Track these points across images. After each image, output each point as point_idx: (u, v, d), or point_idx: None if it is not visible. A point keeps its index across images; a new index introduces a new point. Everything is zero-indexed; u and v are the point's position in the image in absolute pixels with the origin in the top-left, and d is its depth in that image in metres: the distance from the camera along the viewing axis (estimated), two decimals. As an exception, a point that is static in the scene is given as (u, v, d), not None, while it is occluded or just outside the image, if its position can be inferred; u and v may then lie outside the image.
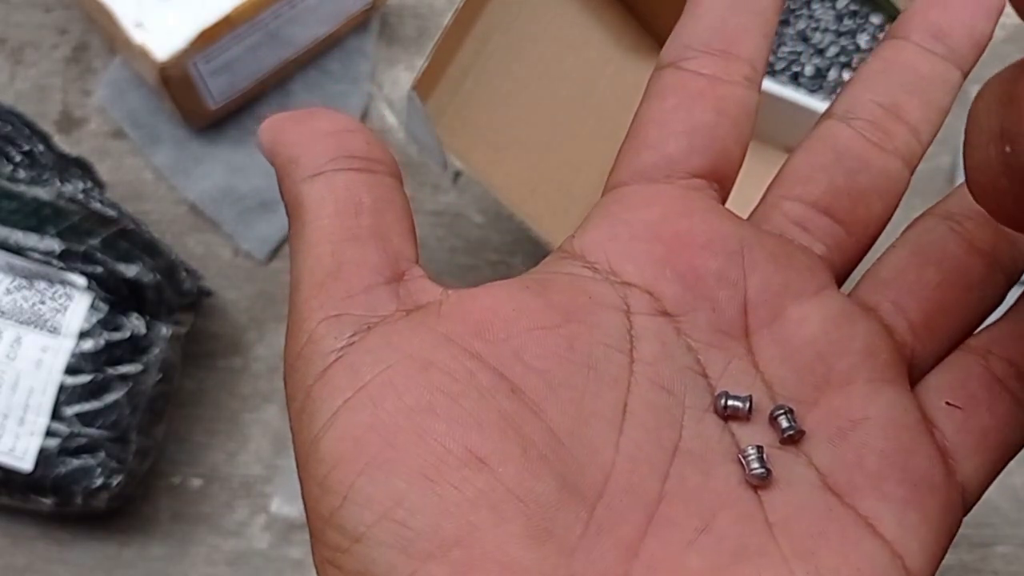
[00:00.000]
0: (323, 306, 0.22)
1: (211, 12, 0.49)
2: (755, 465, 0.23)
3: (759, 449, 0.23)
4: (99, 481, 0.44)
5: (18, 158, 0.48)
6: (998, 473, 0.24)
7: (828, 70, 0.54)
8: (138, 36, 0.49)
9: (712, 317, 0.24)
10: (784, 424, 0.23)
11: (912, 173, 0.27)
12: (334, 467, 0.20)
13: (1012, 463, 0.24)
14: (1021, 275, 0.26)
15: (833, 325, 0.25)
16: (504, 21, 0.50)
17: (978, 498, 0.24)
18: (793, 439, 0.23)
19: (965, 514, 0.24)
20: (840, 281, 0.26)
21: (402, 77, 0.56)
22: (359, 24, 0.55)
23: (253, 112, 0.54)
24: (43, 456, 0.44)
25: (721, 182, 0.26)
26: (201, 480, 0.49)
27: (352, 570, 0.20)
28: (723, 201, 0.26)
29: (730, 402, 0.23)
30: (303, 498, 0.21)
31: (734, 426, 0.23)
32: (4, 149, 0.48)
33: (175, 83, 0.50)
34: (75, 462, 0.44)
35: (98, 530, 0.48)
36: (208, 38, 0.49)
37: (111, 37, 0.53)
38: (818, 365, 0.24)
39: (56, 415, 0.44)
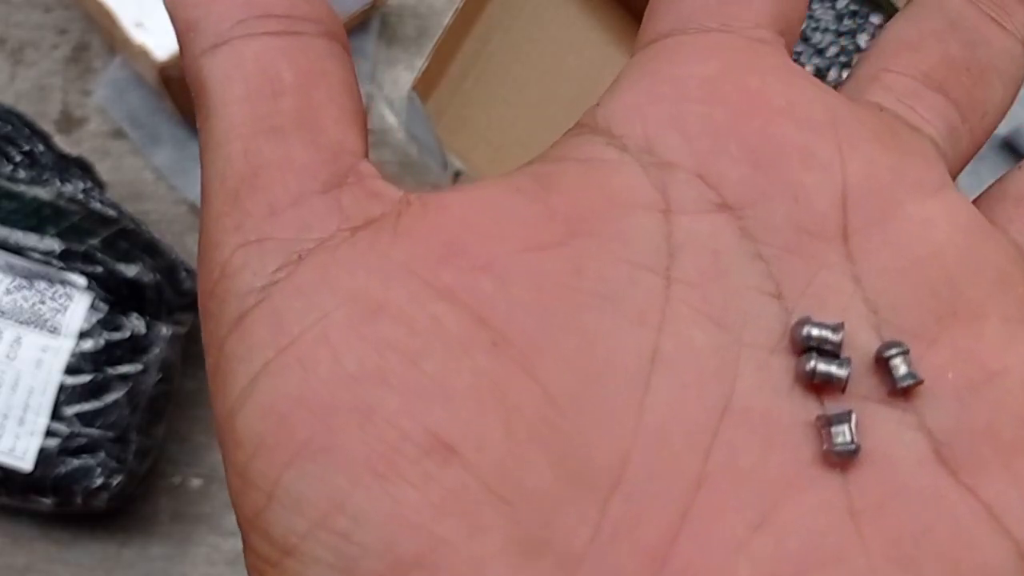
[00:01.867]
0: (239, 227, 0.16)
1: (211, 12, 0.49)
2: (842, 436, 0.16)
3: (847, 413, 0.17)
4: (99, 481, 0.44)
5: (18, 158, 0.48)
6: None
7: (828, 70, 0.54)
8: (138, 36, 0.49)
9: (794, 210, 0.18)
10: (901, 370, 0.17)
11: None
12: (254, 455, 0.16)
13: None
14: None
15: (964, 236, 0.18)
16: (504, 21, 0.50)
17: None
18: (907, 392, 0.17)
19: None
20: None
21: (402, 77, 0.56)
22: (359, 24, 0.55)
23: (253, 112, 0.54)
24: (43, 456, 0.44)
25: (787, 36, 0.20)
26: (201, 480, 0.49)
27: None
28: None
29: (814, 331, 0.17)
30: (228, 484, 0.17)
31: (820, 360, 0.17)
32: (4, 149, 0.48)
33: (175, 83, 0.50)
34: (75, 462, 0.44)
35: (98, 530, 0.48)
36: (208, 38, 0.49)
37: (111, 37, 0.53)
38: (945, 287, 0.18)
39: (56, 415, 0.44)
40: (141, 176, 0.54)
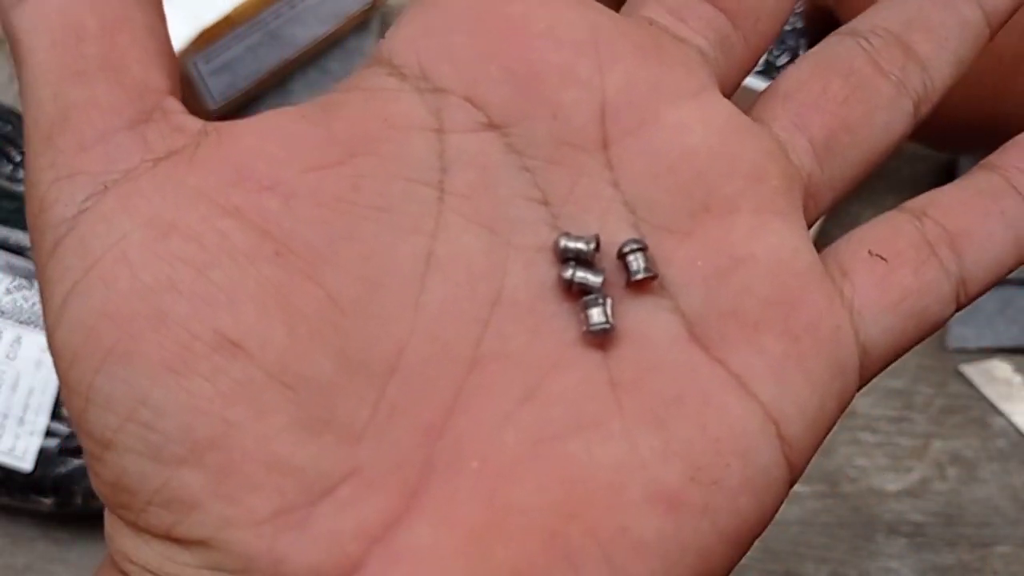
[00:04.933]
0: (53, 164, 0.18)
1: (211, 12, 0.49)
2: (596, 317, 0.18)
3: (602, 297, 0.19)
4: (99, 481, 0.44)
5: (18, 158, 0.48)
6: (905, 349, 0.21)
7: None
8: (138, 36, 0.49)
9: (554, 126, 0.20)
10: (635, 265, 0.19)
11: None
12: (72, 364, 0.18)
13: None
14: (928, 109, 0.23)
15: (718, 136, 0.20)
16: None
17: (878, 371, 0.21)
18: (643, 284, 0.19)
19: (862, 385, 0.21)
20: (726, 92, 0.22)
21: (402, 77, 0.56)
22: (359, 24, 0.55)
23: (253, 112, 0.54)
24: (43, 456, 0.44)
25: None
26: (201, 480, 0.49)
27: (108, 479, 0.18)
28: None
29: (570, 244, 0.19)
30: None
31: (577, 269, 0.19)
32: (4, 149, 0.48)
33: (175, 83, 0.50)
34: (75, 462, 0.44)
35: (98, 530, 0.48)
36: (208, 38, 0.49)
37: (111, 37, 0.53)
38: (697, 186, 0.20)
39: (56, 415, 0.44)
40: (141, 176, 0.54)
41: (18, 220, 0.45)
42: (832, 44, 0.22)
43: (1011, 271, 0.22)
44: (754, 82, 0.33)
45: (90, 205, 0.18)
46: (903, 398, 0.48)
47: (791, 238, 0.20)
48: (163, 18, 0.20)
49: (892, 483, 0.48)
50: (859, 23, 0.23)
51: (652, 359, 0.19)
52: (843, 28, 0.23)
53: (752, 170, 0.20)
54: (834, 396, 0.20)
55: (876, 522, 0.47)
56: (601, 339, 0.19)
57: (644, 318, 0.19)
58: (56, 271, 0.18)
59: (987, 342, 0.49)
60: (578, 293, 0.19)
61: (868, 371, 0.21)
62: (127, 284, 0.17)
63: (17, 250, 0.45)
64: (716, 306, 0.19)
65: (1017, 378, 0.48)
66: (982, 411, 0.48)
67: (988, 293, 0.22)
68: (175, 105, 0.19)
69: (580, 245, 0.19)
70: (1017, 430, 0.47)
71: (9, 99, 0.54)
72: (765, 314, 0.19)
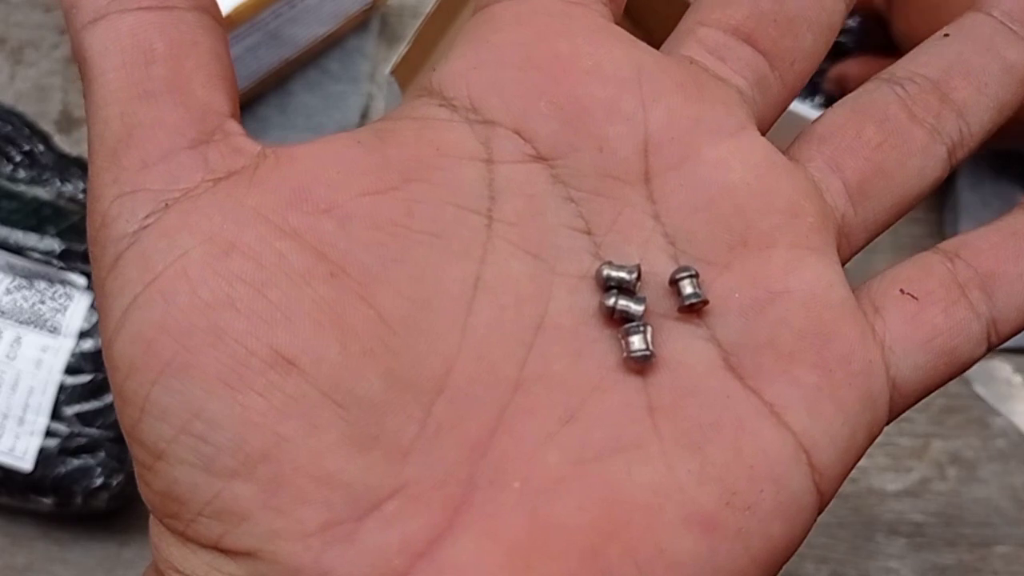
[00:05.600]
0: (116, 181, 0.19)
1: (211, 12, 0.49)
2: (637, 344, 0.19)
3: (643, 325, 0.19)
4: (99, 481, 0.44)
5: (18, 158, 0.48)
6: (936, 386, 0.22)
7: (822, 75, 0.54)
8: (138, 36, 0.49)
9: (599, 159, 0.20)
10: (688, 290, 0.19)
11: (848, 9, 0.23)
12: (128, 375, 0.18)
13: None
14: (965, 155, 0.23)
15: (755, 173, 0.21)
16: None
17: (908, 406, 0.22)
18: (694, 308, 0.20)
19: (892, 418, 0.21)
20: (762, 130, 0.22)
21: (402, 77, 0.56)
22: (359, 24, 0.55)
23: (253, 112, 0.54)
24: (43, 456, 0.44)
25: None
26: (201, 480, 0.49)
27: (158, 489, 0.18)
28: (615, 22, 0.22)
29: (612, 273, 0.19)
30: None
31: (619, 297, 0.20)
32: (4, 149, 0.48)
33: (175, 83, 0.50)
34: (75, 462, 0.44)
35: (98, 530, 0.48)
36: (208, 38, 0.49)
37: (111, 37, 0.53)
38: (735, 221, 0.20)
39: (56, 415, 0.44)
40: (141, 176, 0.54)
41: (18, 220, 0.45)
42: (869, 90, 0.23)
43: None
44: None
45: (151, 221, 0.18)
46: (903, 398, 0.48)
47: (826, 273, 0.21)
48: (226, 43, 0.20)
49: (892, 483, 0.48)
50: (898, 68, 0.23)
51: (689, 386, 0.19)
52: (883, 73, 0.23)
53: (788, 207, 0.21)
54: (864, 427, 0.20)
55: (876, 522, 0.47)
56: (641, 365, 0.19)
57: (682, 347, 0.20)
58: (116, 284, 0.18)
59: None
60: (619, 320, 0.19)
61: (898, 405, 0.21)
62: (186, 299, 0.18)
63: (17, 250, 0.45)
64: (752, 337, 0.20)
65: (1017, 378, 0.48)
66: (982, 411, 0.48)
67: None
68: (235, 127, 0.20)
69: (622, 274, 0.19)
70: (1017, 430, 0.47)
71: (9, 99, 0.54)
72: (799, 346, 0.20)
